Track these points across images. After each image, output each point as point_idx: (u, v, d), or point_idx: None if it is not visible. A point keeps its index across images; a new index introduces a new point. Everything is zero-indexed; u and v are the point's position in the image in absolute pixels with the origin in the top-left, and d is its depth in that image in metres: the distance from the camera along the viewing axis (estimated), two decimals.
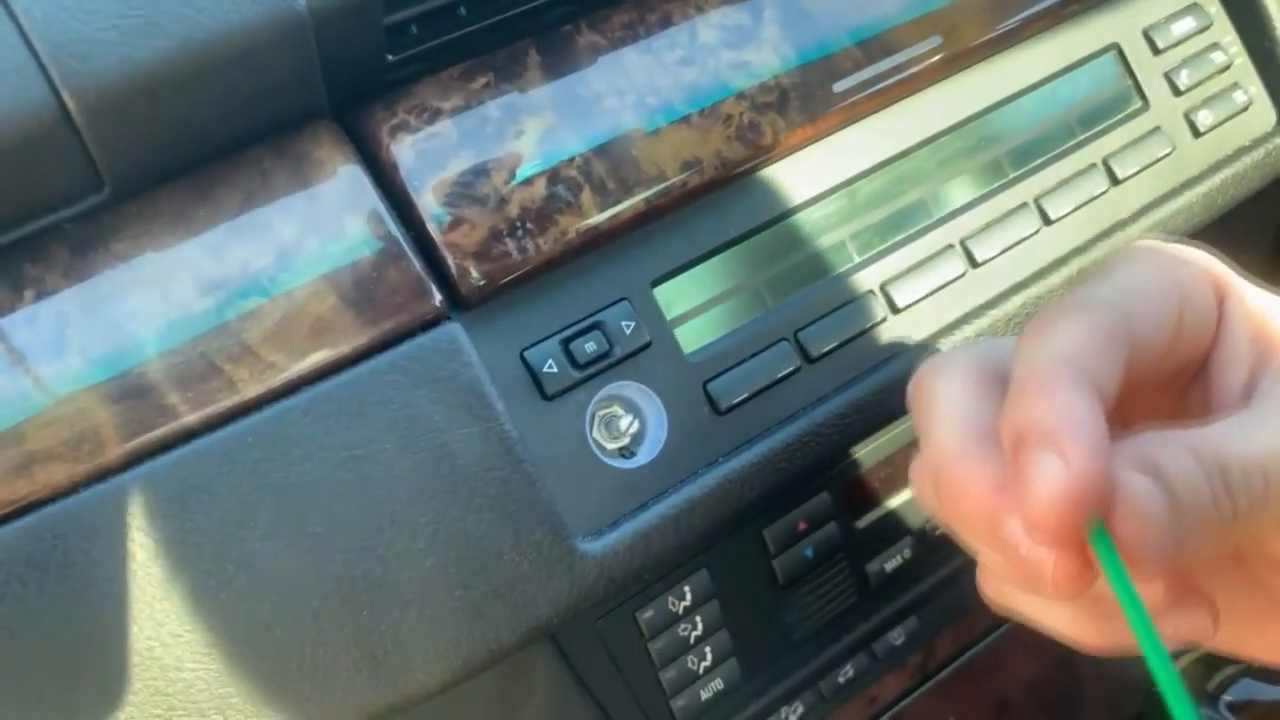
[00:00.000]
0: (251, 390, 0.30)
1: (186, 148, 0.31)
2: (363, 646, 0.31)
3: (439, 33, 0.35)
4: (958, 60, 0.41)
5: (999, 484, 0.19)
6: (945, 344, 0.39)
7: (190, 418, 0.30)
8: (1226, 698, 0.38)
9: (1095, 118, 0.45)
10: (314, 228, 0.32)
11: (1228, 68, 0.47)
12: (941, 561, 0.47)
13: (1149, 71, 0.46)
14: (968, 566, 0.45)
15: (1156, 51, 0.46)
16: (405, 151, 0.34)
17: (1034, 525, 0.19)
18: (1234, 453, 0.20)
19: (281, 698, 0.30)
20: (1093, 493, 0.18)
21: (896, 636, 0.47)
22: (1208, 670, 0.35)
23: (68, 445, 0.29)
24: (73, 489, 0.28)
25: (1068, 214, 0.43)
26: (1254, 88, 0.48)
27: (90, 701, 0.28)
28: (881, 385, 0.38)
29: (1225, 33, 0.48)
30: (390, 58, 0.34)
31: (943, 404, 0.21)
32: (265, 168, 0.32)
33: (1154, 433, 0.20)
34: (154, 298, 0.30)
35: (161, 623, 0.29)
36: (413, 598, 0.31)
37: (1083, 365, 0.19)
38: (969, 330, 0.40)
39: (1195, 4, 0.47)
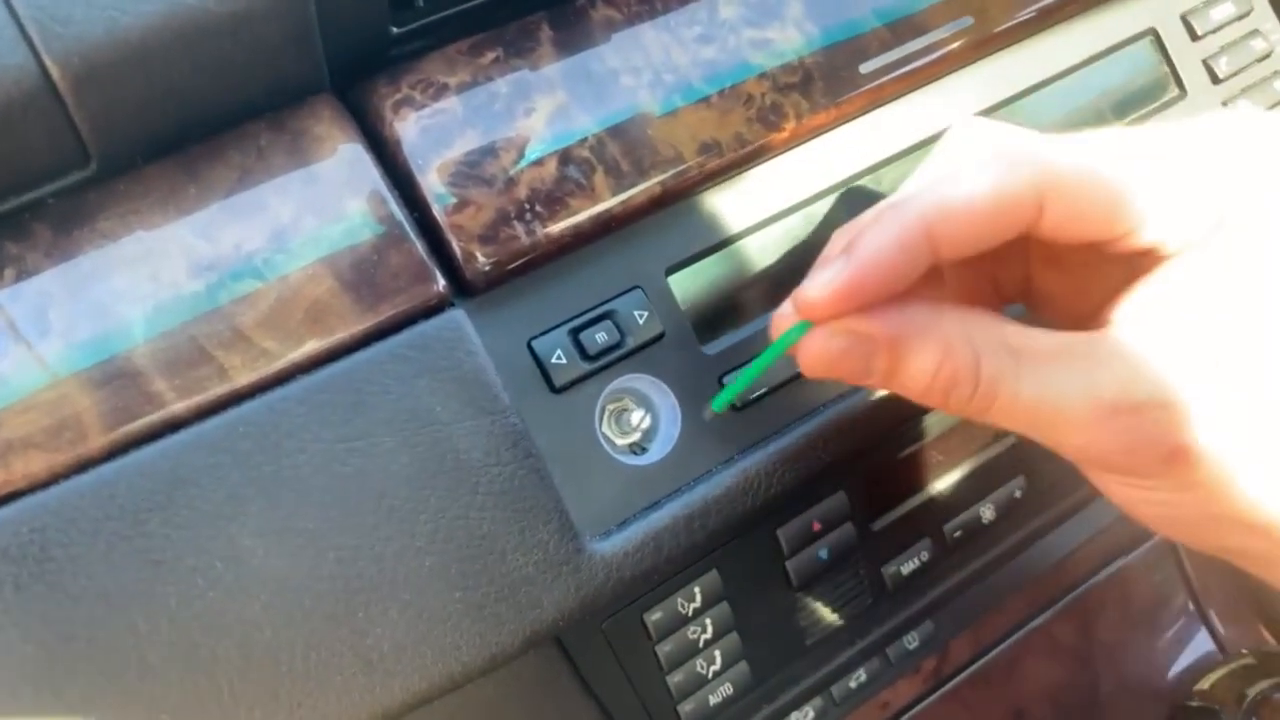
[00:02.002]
0: (243, 378, 0.29)
1: (178, 121, 0.30)
2: (357, 649, 0.29)
3: (446, 5, 0.33)
4: (989, 43, 0.40)
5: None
6: None
7: (178, 406, 0.28)
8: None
9: (1130, 105, 0.43)
10: (312, 207, 0.30)
11: (1268, 55, 0.45)
12: (959, 565, 0.45)
13: (1187, 58, 0.44)
14: (986, 571, 0.44)
15: (1195, 37, 0.44)
16: (409, 129, 0.32)
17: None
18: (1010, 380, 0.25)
19: (272, 701, 0.28)
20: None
21: (911, 641, 0.46)
22: (1245, 681, 0.34)
23: (47, 434, 0.27)
24: (52, 480, 0.27)
25: None
26: None
27: (69, 703, 0.27)
28: None
29: (1266, 19, 0.46)
30: (395, 30, 0.32)
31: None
32: (261, 144, 0.31)
33: (962, 314, 0.26)
34: (142, 279, 0.29)
35: (144, 621, 0.27)
36: (411, 599, 0.30)
37: (880, 260, 0.25)
38: None
39: None
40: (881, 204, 0.27)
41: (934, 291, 0.27)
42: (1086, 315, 0.27)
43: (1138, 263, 0.26)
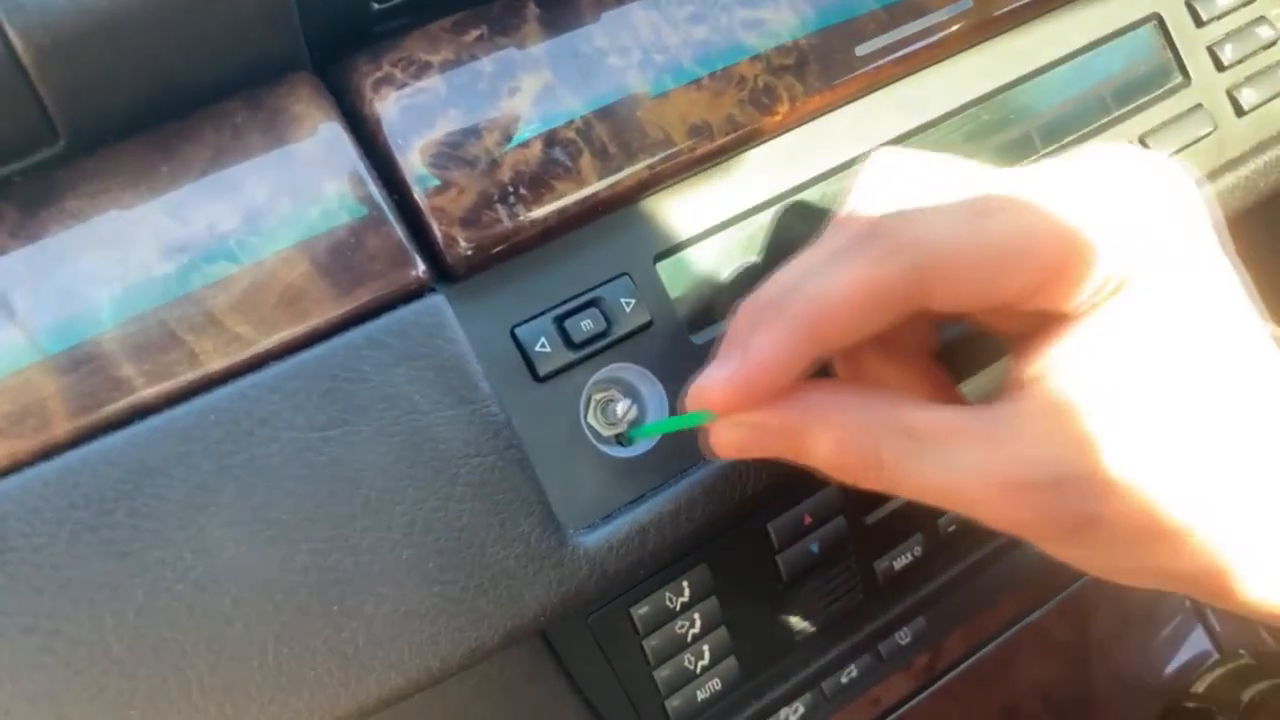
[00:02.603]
0: (215, 363, 0.28)
1: (150, 98, 0.29)
2: (331, 644, 0.28)
3: None
4: (988, 26, 0.39)
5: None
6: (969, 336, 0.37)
7: (147, 392, 0.27)
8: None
9: (1132, 92, 0.43)
10: (288, 188, 0.29)
11: (1275, 43, 0.44)
12: (952, 561, 0.45)
13: (1191, 44, 0.43)
14: (979, 566, 0.43)
15: (1200, 23, 0.43)
16: (389, 108, 0.31)
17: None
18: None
19: (243, 697, 0.28)
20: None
21: (903, 636, 0.45)
22: (1242, 682, 0.33)
23: (10, 420, 0.26)
24: (14, 467, 0.26)
25: None
26: None
27: (31, 697, 0.26)
28: None
29: (1273, 5, 0.45)
30: (376, 5, 0.31)
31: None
32: (237, 122, 0.30)
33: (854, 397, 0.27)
34: (111, 261, 0.28)
35: (110, 615, 0.26)
36: (387, 592, 0.29)
37: (768, 360, 0.25)
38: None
39: None
40: (773, 286, 0.27)
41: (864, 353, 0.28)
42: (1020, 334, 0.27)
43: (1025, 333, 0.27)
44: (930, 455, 0.25)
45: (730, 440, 0.27)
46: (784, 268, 0.27)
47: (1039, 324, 0.26)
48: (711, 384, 0.26)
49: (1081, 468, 0.24)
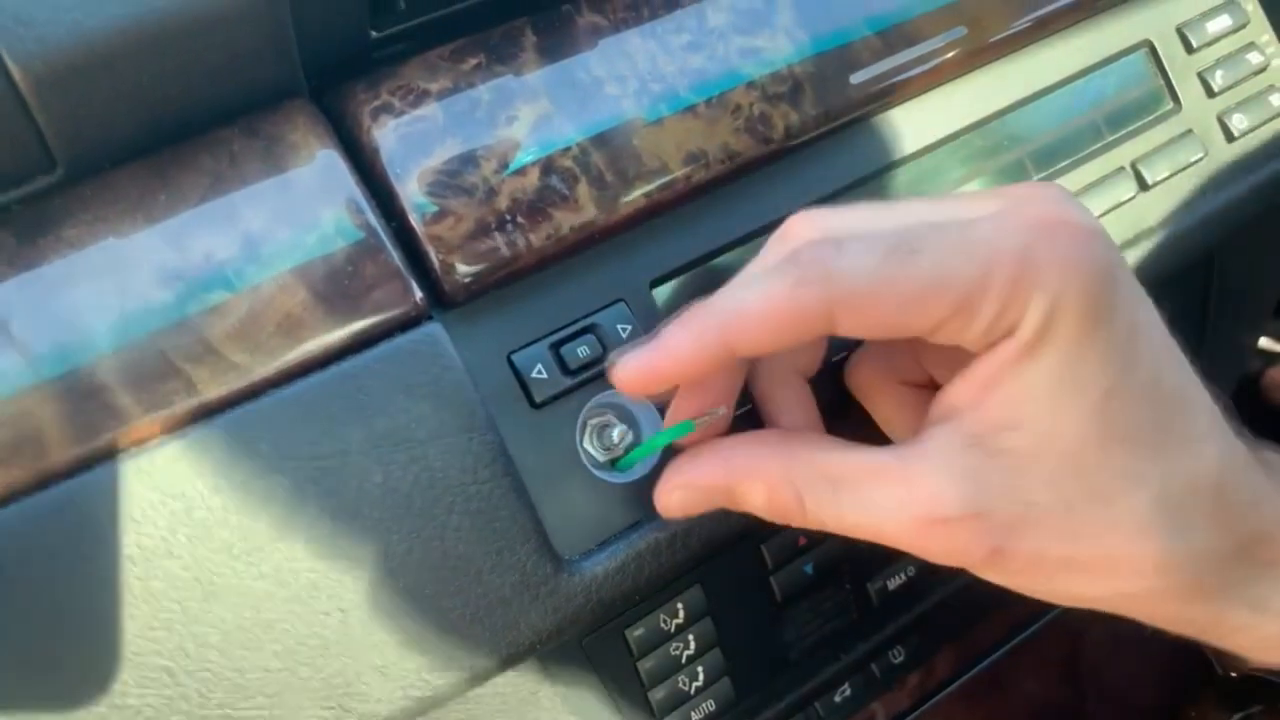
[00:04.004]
0: (212, 392, 0.28)
1: (147, 126, 0.29)
2: (324, 674, 0.28)
3: (428, 8, 0.32)
4: (982, 53, 0.39)
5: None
6: None
7: (144, 421, 0.27)
8: None
9: (1124, 118, 0.43)
10: (285, 216, 0.30)
11: (1264, 69, 0.45)
12: (945, 579, 0.45)
13: (1182, 71, 0.44)
14: (971, 586, 0.43)
15: (1191, 50, 0.44)
16: (387, 136, 0.31)
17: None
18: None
19: None
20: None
21: (896, 655, 0.45)
22: (1238, 704, 0.34)
23: (6, 449, 0.26)
24: (10, 497, 0.26)
25: None
26: None
27: None
28: None
29: (1262, 32, 0.45)
30: (374, 34, 0.32)
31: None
32: (234, 150, 0.30)
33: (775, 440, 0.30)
34: (108, 289, 0.28)
35: (104, 647, 0.26)
36: (382, 621, 0.29)
37: (678, 353, 0.28)
38: None
39: (1232, 1, 0.45)
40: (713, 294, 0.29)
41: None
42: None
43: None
44: (848, 497, 0.28)
45: (673, 503, 0.30)
46: (707, 300, 0.29)
47: (947, 358, 0.28)
48: (623, 362, 0.28)
49: (985, 503, 0.26)
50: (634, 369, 0.28)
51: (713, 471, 0.30)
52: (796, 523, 0.29)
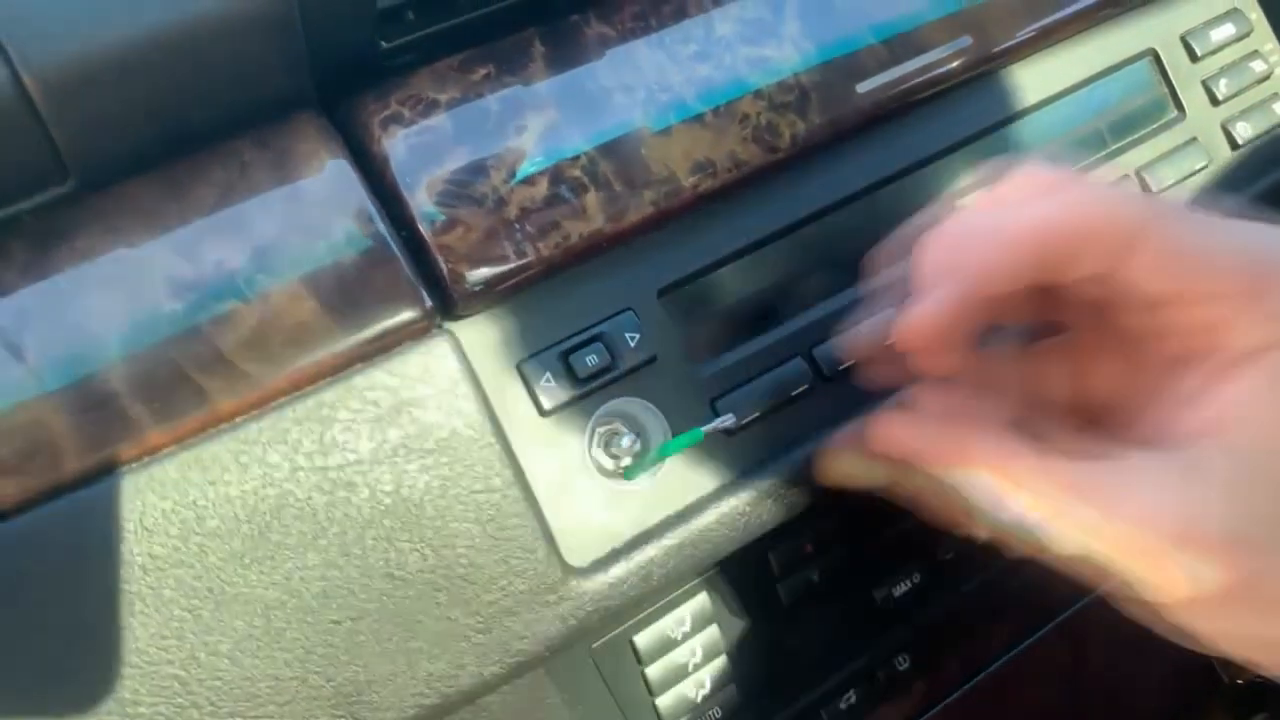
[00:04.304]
0: (224, 402, 0.28)
1: (159, 137, 0.29)
2: (335, 681, 0.28)
3: (437, 19, 0.32)
4: (987, 62, 0.39)
5: None
6: None
7: (156, 431, 0.27)
8: None
9: (1129, 126, 0.43)
10: (296, 226, 0.30)
11: (1268, 77, 0.45)
12: (950, 587, 0.45)
13: (1186, 79, 0.44)
14: (977, 593, 0.43)
15: (1194, 59, 0.44)
16: (397, 145, 0.31)
17: None
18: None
19: None
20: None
21: (901, 662, 0.45)
22: (1245, 711, 0.33)
23: (20, 457, 0.26)
24: (23, 505, 0.26)
25: None
26: None
27: None
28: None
29: (1266, 40, 0.45)
30: (384, 45, 0.32)
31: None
32: (245, 160, 0.30)
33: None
34: (120, 299, 0.28)
35: (116, 655, 0.27)
36: (392, 629, 0.29)
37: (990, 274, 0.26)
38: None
39: (1235, 9, 0.45)
40: (958, 224, 0.27)
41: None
42: (1130, 418, 0.27)
43: (1190, 359, 0.26)
44: (1077, 501, 0.24)
45: (841, 467, 0.30)
46: (960, 213, 0.27)
47: (1171, 371, 0.26)
48: (915, 317, 0.26)
49: (1249, 527, 0.23)
50: (928, 313, 0.26)
51: (935, 446, 0.27)
52: (979, 524, 0.26)
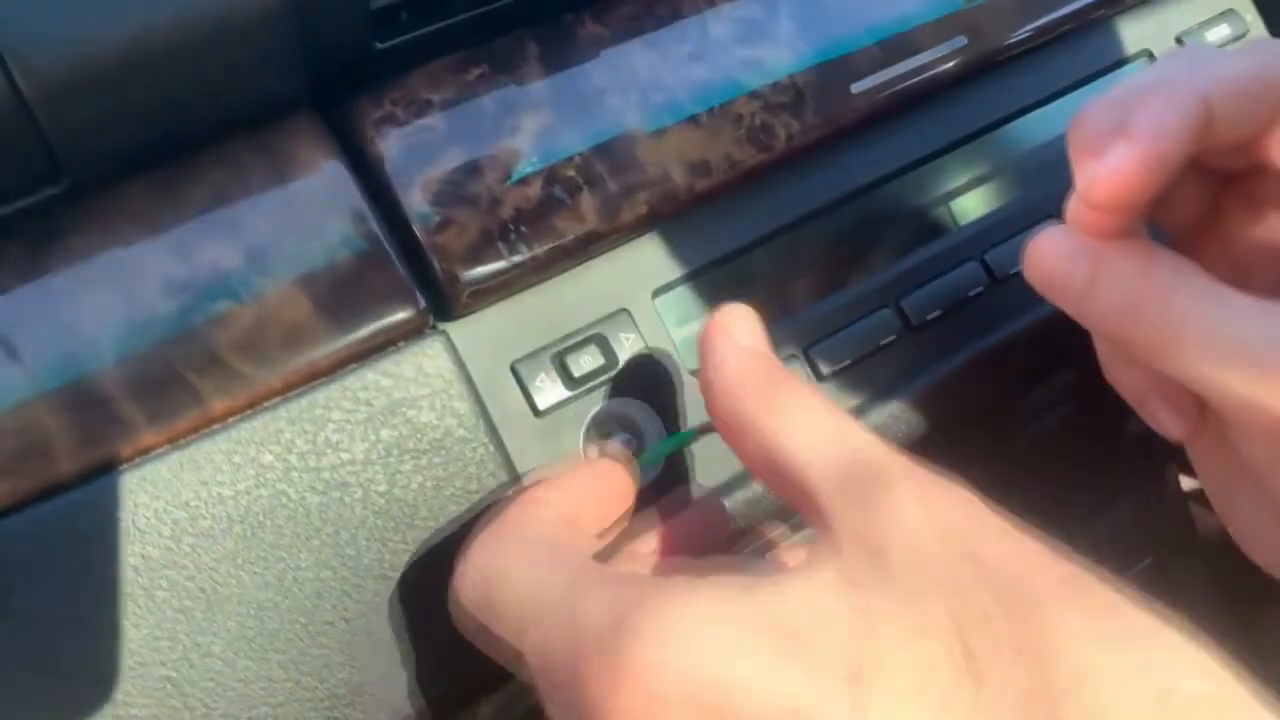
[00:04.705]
0: (218, 402, 0.28)
1: (154, 138, 0.29)
2: (327, 683, 0.28)
3: (430, 20, 0.32)
4: (982, 62, 0.39)
5: None
6: (965, 366, 0.37)
7: (150, 431, 0.27)
8: None
9: None
10: (290, 227, 0.30)
11: None
12: None
13: None
14: None
15: None
16: (391, 146, 0.31)
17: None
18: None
19: None
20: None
21: None
22: None
23: (13, 458, 0.26)
24: (16, 506, 0.26)
25: None
26: None
27: None
28: (899, 409, 0.35)
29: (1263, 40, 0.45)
30: (378, 46, 0.32)
31: None
32: (239, 161, 0.30)
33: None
34: (114, 300, 0.28)
35: (108, 656, 0.27)
36: (384, 634, 0.29)
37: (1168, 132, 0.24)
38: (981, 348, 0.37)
39: (1231, 10, 0.45)
40: (1134, 81, 0.26)
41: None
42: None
43: None
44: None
45: (1047, 257, 0.26)
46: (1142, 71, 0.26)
47: None
48: (1108, 171, 0.24)
49: None
50: (1122, 169, 0.23)
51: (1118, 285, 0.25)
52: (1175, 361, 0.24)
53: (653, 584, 0.22)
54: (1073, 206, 0.26)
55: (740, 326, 0.27)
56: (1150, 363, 0.25)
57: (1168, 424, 0.29)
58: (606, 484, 0.29)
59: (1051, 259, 0.26)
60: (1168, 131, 0.24)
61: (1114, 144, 0.24)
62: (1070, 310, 0.27)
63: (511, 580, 0.24)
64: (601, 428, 0.33)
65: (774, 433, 0.24)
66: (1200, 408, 0.29)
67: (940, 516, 0.21)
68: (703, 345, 0.27)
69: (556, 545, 0.25)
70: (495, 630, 0.25)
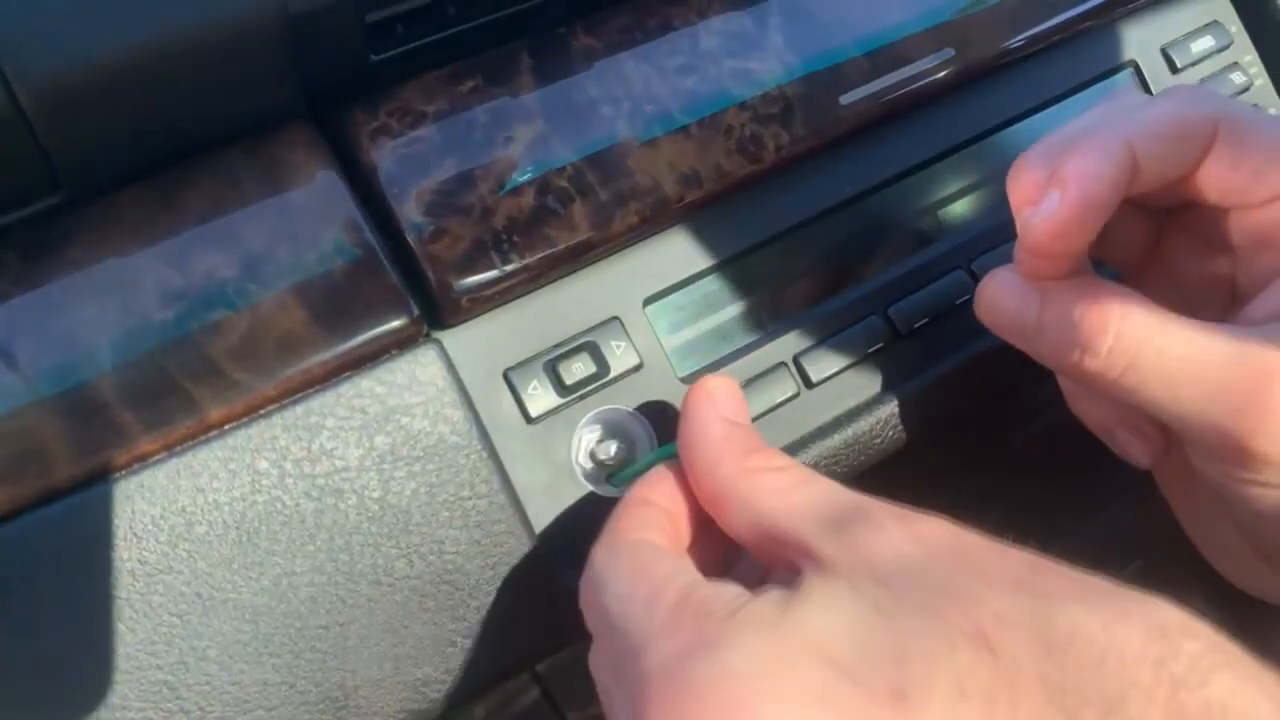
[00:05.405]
0: (213, 410, 0.28)
1: (150, 148, 0.30)
2: (323, 685, 0.29)
3: (425, 32, 0.33)
4: (970, 73, 0.40)
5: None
6: (953, 373, 0.37)
7: (146, 438, 0.28)
8: None
9: None
10: (285, 236, 0.30)
11: (1247, 89, 0.46)
12: None
13: None
14: None
15: (1175, 70, 0.45)
16: (386, 157, 0.32)
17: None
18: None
19: None
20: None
21: None
22: None
23: (11, 465, 0.27)
24: (14, 512, 0.27)
25: None
26: (1274, 110, 0.46)
27: None
28: (888, 416, 0.36)
29: (1245, 52, 0.46)
30: (373, 57, 0.32)
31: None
32: (236, 171, 0.31)
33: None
34: (111, 308, 0.28)
35: (105, 660, 0.27)
36: (380, 635, 0.29)
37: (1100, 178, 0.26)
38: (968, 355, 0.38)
39: (1215, 22, 0.46)
40: (1068, 128, 0.28)
41: None
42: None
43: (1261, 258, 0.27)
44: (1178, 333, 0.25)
45: (993, 297, 0.28)
46: (1069, 123, 0.28)
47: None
48: (1042, 219, 0.26)
49: None
50: (1056, 216, 0.26)
51: (1092, 313, 0.26)
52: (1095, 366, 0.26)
53: (713, 623, 0.23)
54: (1016, 252, 0.28)
55: (723, 397, 0.28)
56: (1107, 393, 0.27)
57: (1134, 451, 0.30)
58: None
59: (1001, 301, 0.28)
60: (1097, 178, 0.25)
61: (1048, 192, 0.26)
62: (1024, 349, 0.28)
63: (608, 592, 0.25)
64: (593, 434, 0.33)
65: (754, 491, 0.25)
66: (1165, 434, 0.30)
67: (924, 538, 0.22)
68: (686, 411, 0.28)
69: (652, 556, 0.26)
70: (595, 633, 0.26)
